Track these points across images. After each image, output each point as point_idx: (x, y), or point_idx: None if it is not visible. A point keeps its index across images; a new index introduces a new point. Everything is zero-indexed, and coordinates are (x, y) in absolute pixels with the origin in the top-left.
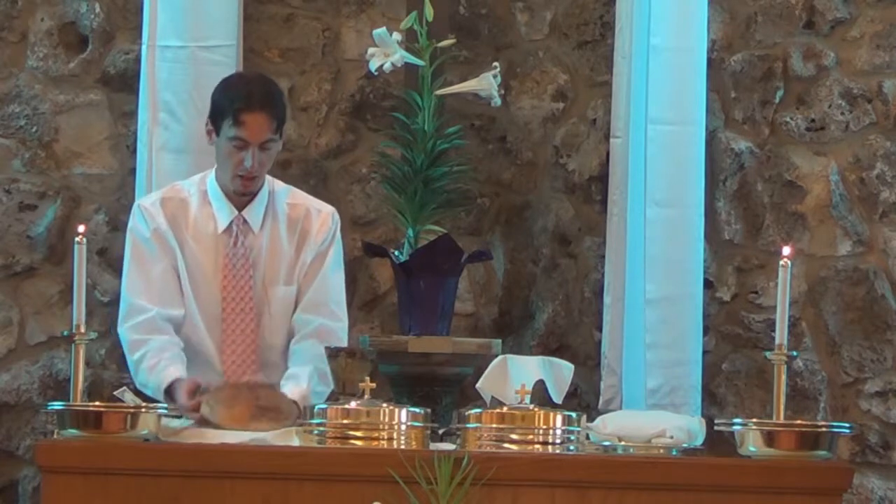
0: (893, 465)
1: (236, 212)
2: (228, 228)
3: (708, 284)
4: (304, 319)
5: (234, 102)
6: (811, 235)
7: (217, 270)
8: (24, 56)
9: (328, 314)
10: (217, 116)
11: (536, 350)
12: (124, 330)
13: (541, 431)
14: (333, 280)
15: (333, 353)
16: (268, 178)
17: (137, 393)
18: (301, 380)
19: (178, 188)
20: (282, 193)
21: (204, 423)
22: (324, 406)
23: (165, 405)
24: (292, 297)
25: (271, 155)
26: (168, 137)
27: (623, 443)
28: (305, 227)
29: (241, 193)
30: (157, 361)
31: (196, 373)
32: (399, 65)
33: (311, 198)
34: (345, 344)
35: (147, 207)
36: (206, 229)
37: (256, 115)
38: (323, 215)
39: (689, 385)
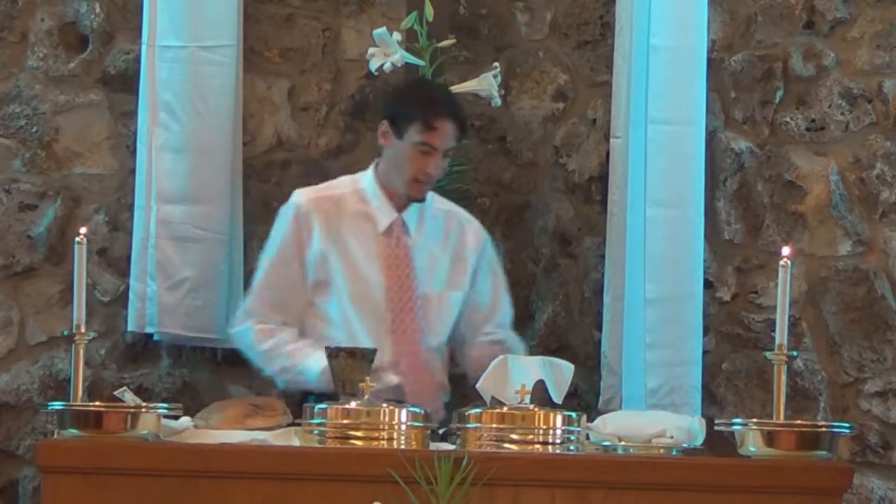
0: (893, 465)
1: (396, 213)
2: (388, 229)
3: (708, 284)
4: (489, 332)
5: (427, 108)
6: (811, 235)
7: (378, 271)
8: (24, 56)
9: (509, 331)
10: (401, 120)
11: (536, 350)
12: (245, 327)
13: (541, 431)
14: (508, 301)
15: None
16: None
17: (137, 393)
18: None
19: (332, 185)
20: (429, 198)
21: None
22: (324, 406)
23: (163, 406)
24: (451, 301)
25: (447, 163)
26: (168, 137)
27: (623, 443)
28: (459, 236)
29: (415, 198)
30: (296, 347)
31: None
32: (399, 65)
33: (453, 204)
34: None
35: (301, 205)
36: (363, 229)
37: (448, 122)
38: (473, 225)
39: (689, 385)
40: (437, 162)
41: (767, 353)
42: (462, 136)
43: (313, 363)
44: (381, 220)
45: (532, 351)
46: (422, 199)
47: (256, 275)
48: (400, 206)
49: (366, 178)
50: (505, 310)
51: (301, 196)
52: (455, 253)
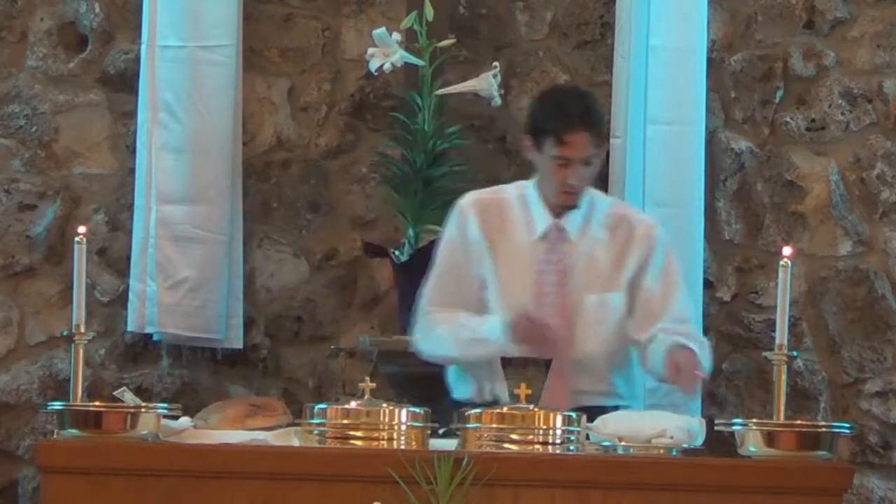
0: (893, 465)
1: (553, 219)
2: (544, 235)
3: (708, 284)
4: (670, 328)
5: (556, 123)
6: (811, 235)
7: (532, 276)
8: (24, 56)
9: (694, 328)
10: (538, 134)
11: None
12: (423, 333)
13: (541, 431)
14: (687, 299)
15: (334, 354)
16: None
17: (137, 393)
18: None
19: (497, 189)
20: (603, 203)
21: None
22: (324, 406)
23: (163, 406)
24: (611, 304)
25: (594, 168)
26: (168, 137)
27: (623, 443)
28: (627, 238)
29: (566, 206)
30: (470, 316)
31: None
32: (399, 65)
33: (633, 208)
34: (708, 352)
35: (462, 204)
36: (522, 234)
37: (579, 134)
38: (645, 226)
39: None
40: (575, 172)
41: (767, 353)
42: (600, 141)
43: (495, 320)
44: (538, 225)
45: None
46: (574, 206)
47: (428, 278)
48: (558, 212)
49: (529, 185)
50: (679, 306)
51: (465, 197)
52: (617, 256)
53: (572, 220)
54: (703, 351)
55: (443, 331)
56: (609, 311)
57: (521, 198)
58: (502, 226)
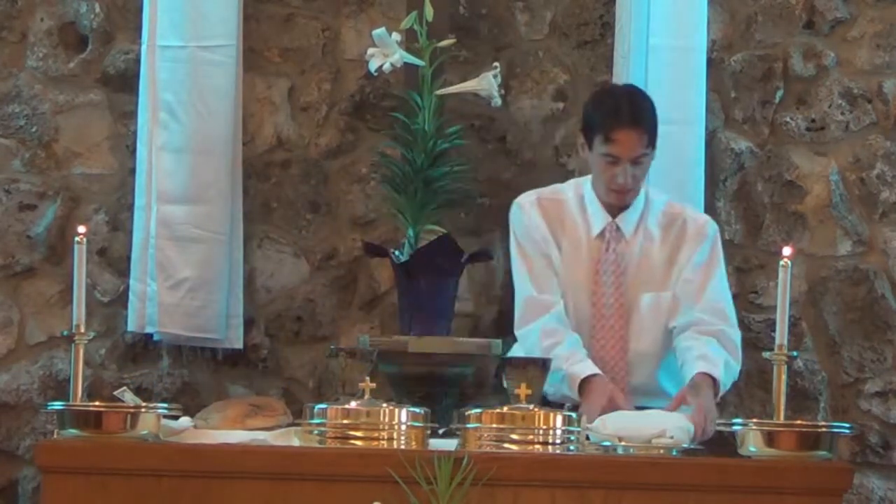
0: (893, 465)
1: (610, 218)
2: (601, 234)
3: None
4: (705, 320)
5: (605, 119)
6: (811, 235)
7: (588, 275)
8: (24, 56)
9: (728, 323)
10: (588, 131)
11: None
12: (529, 328)
13: (541, 431)
14: (726, 289)
15: (333, 353)
16: (645, 185)
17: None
18: (716, 366)
19: (556, 189)
20: (658, 202)
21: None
22: (324, 406)
23: (163, 406)
24: (663, 303)
25: (644, 168)
26: (168, 137)
27: (623, 443)
28: (679, 236)
29: (617, 205)
30: (572, 353)
31: None
32: (399, 65)
33: (688, 207)
34: (739, 351)
35: (524, 205)
36: (580, 233)
37: (627, 132)
38: (699, 224)
39: None
40: (624, 171)
41: (767, 353)
42: (650, 141)
43: (579, 372)
44: (594, 224)
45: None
46: (625, 206)
47: (515, 281)
48: (614, 212)
49: (586, 184)
50: (715, 298)
51: (525, 195)
52: (670, 255)
53: (628, 219)
54: (730, 364)
55: (538, 341)
56: (662, 310)
57: (579, 197)
58: (563, 224)
